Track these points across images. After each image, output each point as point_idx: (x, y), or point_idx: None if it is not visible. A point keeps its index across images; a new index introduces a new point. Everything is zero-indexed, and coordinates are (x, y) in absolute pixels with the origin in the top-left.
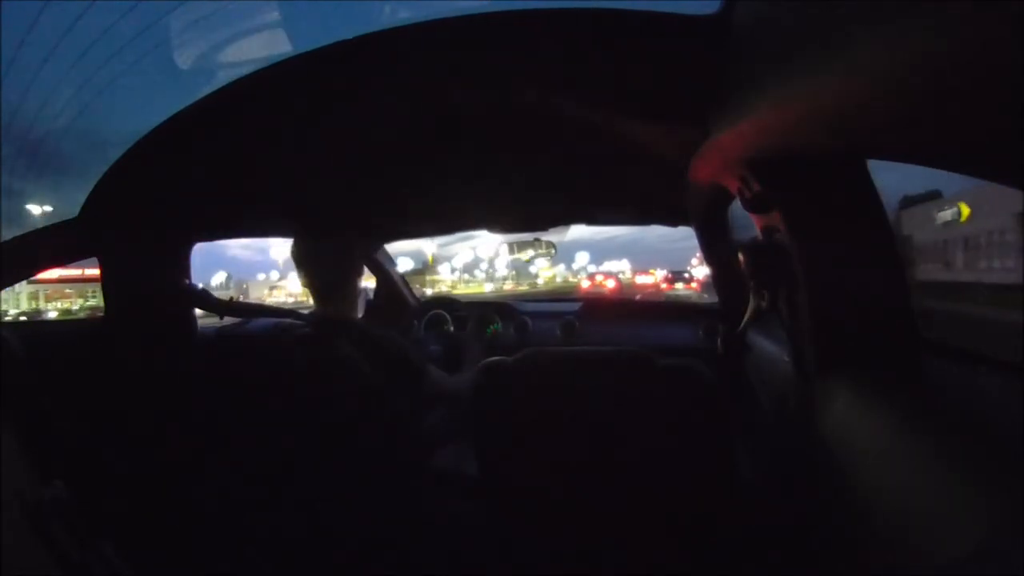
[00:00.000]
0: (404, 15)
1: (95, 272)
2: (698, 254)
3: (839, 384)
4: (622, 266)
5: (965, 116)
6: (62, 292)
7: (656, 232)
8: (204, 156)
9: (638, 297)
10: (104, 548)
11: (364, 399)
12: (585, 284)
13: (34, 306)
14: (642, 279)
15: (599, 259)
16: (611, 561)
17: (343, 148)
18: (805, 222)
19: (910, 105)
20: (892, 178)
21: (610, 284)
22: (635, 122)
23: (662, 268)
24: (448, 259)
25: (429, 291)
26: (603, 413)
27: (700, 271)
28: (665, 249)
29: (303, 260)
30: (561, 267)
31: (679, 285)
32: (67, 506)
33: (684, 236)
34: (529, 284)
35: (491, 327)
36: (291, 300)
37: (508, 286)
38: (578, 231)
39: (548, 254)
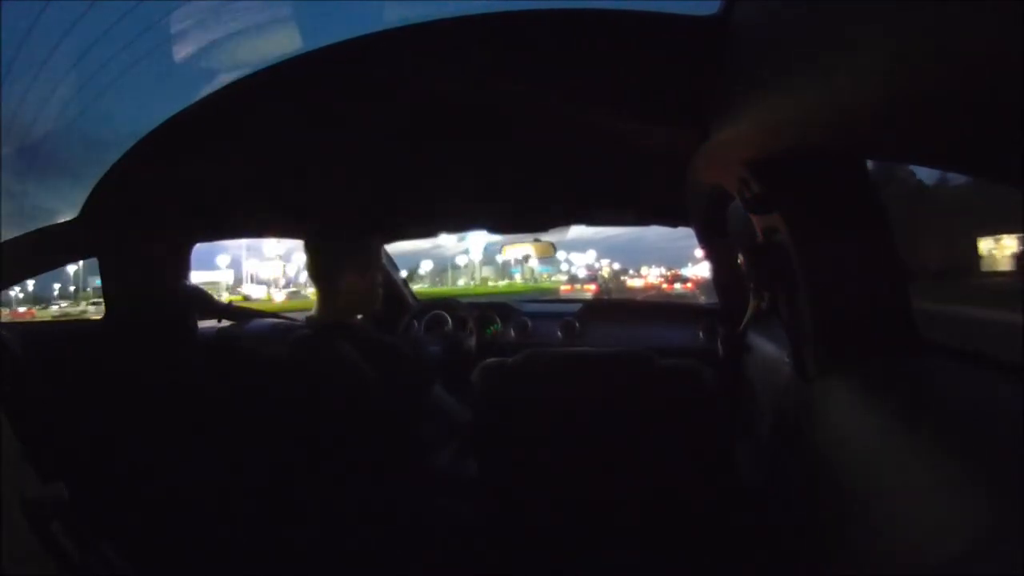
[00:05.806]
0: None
1: None
2: (696, 253)
3: (839, 384)
4: (587, 260)
5: (966, 115)
6: None
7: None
8: (204, 156)
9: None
10: (104, 548)
11: (363, 400)
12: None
13: None
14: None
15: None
16: (611, 561)
17: (343, 148)
18: (805, 222)
19: (910, 105)
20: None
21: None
22: (635, 122)
23: (649, 266)
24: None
25: None
26: (603, 414)
27: (692, 271)
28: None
29: (308, 256)
30: (487, 268)
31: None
32: (67, 506)
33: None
34: None
35: (491, 328)
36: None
37: None
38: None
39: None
